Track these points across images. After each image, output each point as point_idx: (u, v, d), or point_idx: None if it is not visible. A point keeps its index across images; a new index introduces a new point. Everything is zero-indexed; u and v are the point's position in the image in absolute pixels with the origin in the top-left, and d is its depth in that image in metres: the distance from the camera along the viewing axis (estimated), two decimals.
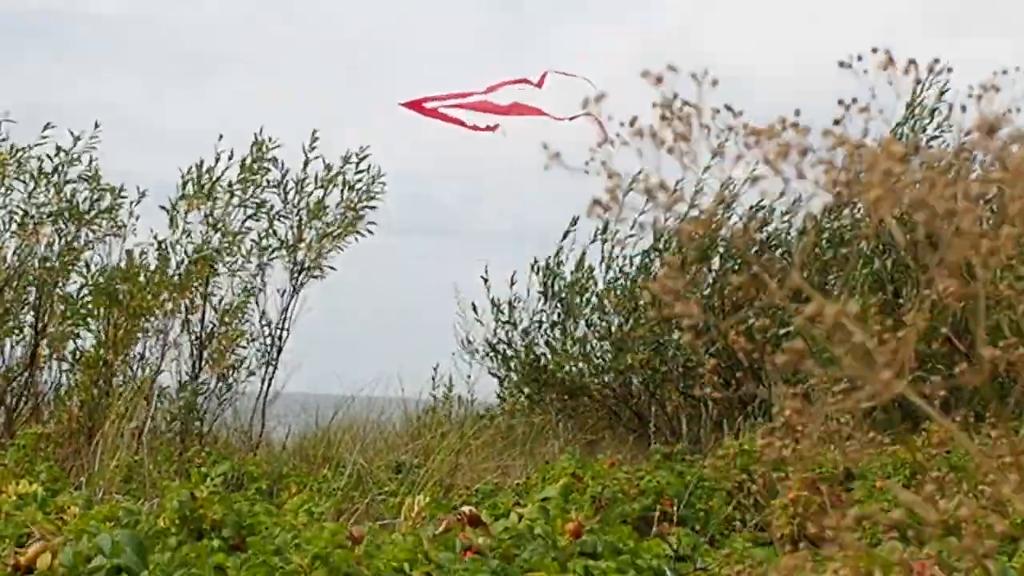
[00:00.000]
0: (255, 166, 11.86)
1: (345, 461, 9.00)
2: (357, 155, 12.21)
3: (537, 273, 14.46)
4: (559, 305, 14.45)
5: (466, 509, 4.10)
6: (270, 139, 11.98)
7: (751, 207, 14.20)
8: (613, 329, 14.21)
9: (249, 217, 11.89)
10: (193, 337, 11.76)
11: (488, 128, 10.83)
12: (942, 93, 13.15)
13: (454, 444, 9.43)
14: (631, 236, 14.22)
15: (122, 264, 11.63)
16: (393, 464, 8.96)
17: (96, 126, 11.73)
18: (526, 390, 14.12)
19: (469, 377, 14.12)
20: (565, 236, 14.35)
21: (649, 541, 4.44)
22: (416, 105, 10.99)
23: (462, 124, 10.92)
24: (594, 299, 14.44)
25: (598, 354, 14.31)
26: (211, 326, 11.86)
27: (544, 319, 14.45)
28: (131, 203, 11.79)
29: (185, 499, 4.75)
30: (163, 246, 11.68)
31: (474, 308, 14.75)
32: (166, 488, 4.97)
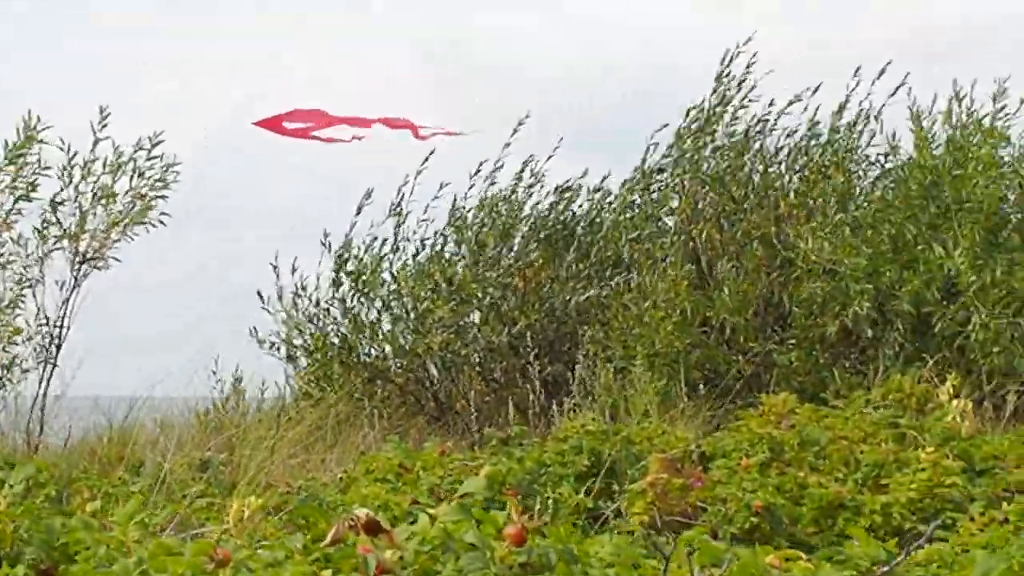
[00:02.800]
0: (25, 146, 10.92)
1: (143, 460, 8.21)
2: (150, 139, 11.37)
3: (329, 251, 13.81)
4: (353, 287, 13.83)
5: (361, 512, 3.39)
6: (38, 118, 11.05)
7: (557, 186, 13.87)
8: (409, 311, 13.65)
9: (20, 198, 10.94)
10: None
11: (353, 138, 10.50)
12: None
13: (263, 437, 8.71)
14: (424, 220, 13.79)
15: None
16: (197, 462, 8.18)
17: None
18: (326, 372, 13.41)
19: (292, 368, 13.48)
20: (359, 211, 13.76)
21: (592, 539, 3.77)
22: (273, 124, 10.57)
23: (323, 139, 10.58)
24: (389, 279, 13.87)
25: (398, 335, 13.73)
26: None
27: (338, 302, 13.81)
28: None
29: None
30: None
31: (260, 296, 13.98)
32: None
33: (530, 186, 13.79)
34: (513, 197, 13.75)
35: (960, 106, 12.54)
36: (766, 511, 5.82)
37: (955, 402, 7.20)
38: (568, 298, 13.21)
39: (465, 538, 3.17)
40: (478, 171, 13.78)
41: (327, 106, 10.78)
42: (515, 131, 13.72)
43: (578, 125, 14.86)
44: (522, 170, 13.80)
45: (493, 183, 13.77)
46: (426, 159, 13.50)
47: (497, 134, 13.80)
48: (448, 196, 13.83)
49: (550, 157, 13.84)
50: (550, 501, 6.47)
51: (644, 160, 13.48)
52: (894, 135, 12.78)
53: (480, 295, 13.31)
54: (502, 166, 13.78)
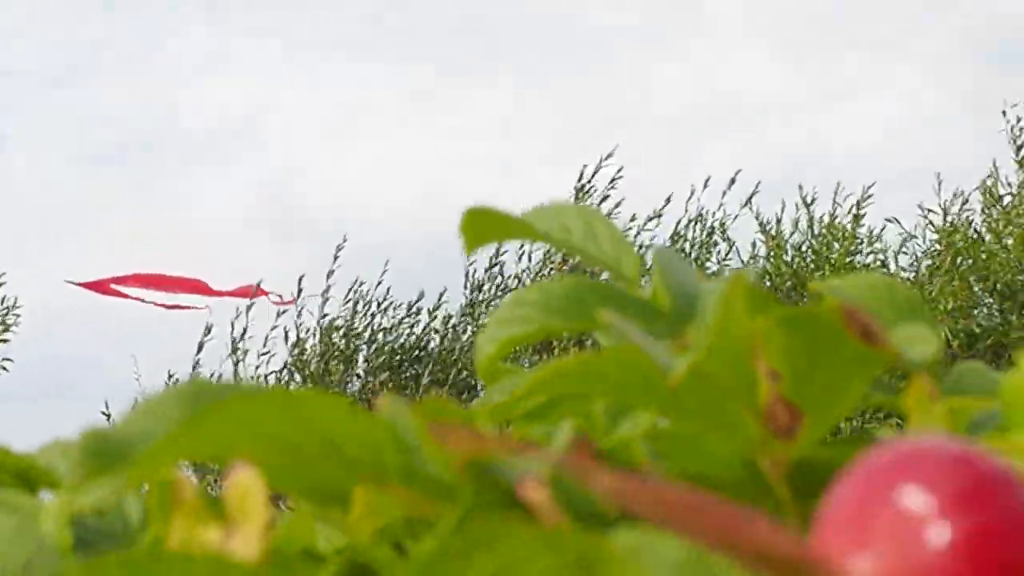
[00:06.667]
0: None
1: None
2: None
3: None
4: None
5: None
6: None
7: (379, 302, 13.17)
8: None
9: None
10: None
11: (185, 307, 10.18)
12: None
13: None
14: (265, 353, 13.07)
15: None
16: None
17: None
18: None
19: None
20: (200, 349, 12.94)
21: None
22: (99, 286, 10.10)
23: (157, 304, 10.21)
24: None
25: None
26: None
27: None
28: None
29: None
30: None
31: None
32: None
33: (366, 310, 13.00)
34: (351, 324, 12.99)
35: (809, 211, 12.40)
36: None
37: None
38: None
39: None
40: (300, 290, 12.92)
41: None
42: (336, 256, 12.95)
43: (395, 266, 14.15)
44: (349, 294, 13.00)
45: (325, 315, 13.01)
46: (254, 290, 12.78)
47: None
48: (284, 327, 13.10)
49: (379, 283, 13.05)
50: None
51: (470, 281, 12.91)
52: (754, 244, 12.48)
53: None
54: (330, 289, 12.97)
